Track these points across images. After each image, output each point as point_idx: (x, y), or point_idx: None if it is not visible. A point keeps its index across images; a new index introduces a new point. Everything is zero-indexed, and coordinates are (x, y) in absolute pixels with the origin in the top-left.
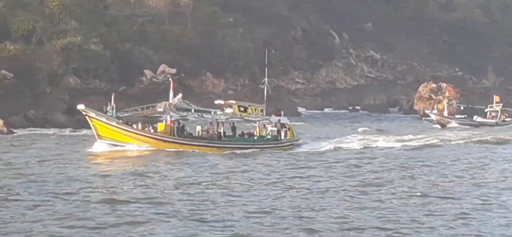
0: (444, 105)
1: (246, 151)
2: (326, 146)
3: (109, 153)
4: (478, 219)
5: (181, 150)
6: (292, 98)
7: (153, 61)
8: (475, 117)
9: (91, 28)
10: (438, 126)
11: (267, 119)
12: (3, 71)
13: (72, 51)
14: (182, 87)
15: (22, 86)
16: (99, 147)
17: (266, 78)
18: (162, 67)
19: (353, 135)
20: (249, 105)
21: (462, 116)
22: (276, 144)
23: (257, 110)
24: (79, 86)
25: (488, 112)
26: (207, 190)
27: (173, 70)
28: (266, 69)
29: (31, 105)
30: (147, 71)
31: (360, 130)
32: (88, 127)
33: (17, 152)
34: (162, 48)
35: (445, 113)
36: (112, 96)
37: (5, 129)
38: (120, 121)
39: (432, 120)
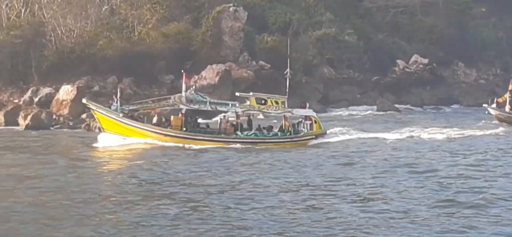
0: (506, 98)
1: (255, 146)
2: (350, 138)
3: (109, 148)
4: None
5: (186, 144)
6: None
7: (405, 51)
8: None
9: (345, 19)
10: (497, 122)
11: (289, 111)
12: (261, 62)
13: (326, 42)
14: (434, 76)
15: (278, 76)
16: (104, 139)
17: (288, 69)
18: (414, 57)
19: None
20: (268, 98)
21: None
22: (292, 138)
23: (278, 103)
24: (333, 77)
25: None
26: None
27: (425, 60)
28: (288, 60)
29: (288, 94)
30: (399, 61)
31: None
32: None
33: None
34: (415, 38)
35: (507, 107)
36: (118, 90)
37: (263, 117)
38: (121, 114)
39: (491, 114)
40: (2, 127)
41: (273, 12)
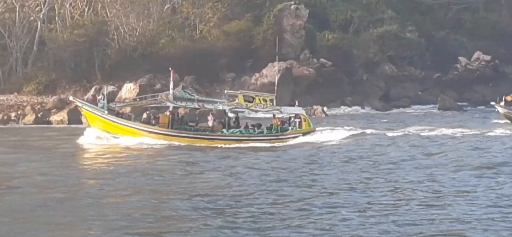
0: None
1: (240, 143)
2: (338, 137)
3: (95, 146)
4: None
5: (173, 141)
6: None
7: (467, 49)
8: None
9: (407, 16)
10: (508, 121)
11: (278, 109)
12: (322, 60)
13: (388, 39)
14: (496, 73)
15: (340, 74)
16: (89, 135)
17: (277, 65)
18: (476, 54)
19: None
20: (256, 95)
21: None
22: (278, 136)
23: (266, 100)
24: (395, 74)
25: None
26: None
27: (488, 57)
28: (277, 56)
29: (349, 92)
30: (461, 58)
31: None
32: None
33: None
34: (477, 35)
35: None
36: (105, 87)
37: (323, 115)
38: (105, 112)
39: (499, 113)
40: (66, 125)
41: (334, 9)
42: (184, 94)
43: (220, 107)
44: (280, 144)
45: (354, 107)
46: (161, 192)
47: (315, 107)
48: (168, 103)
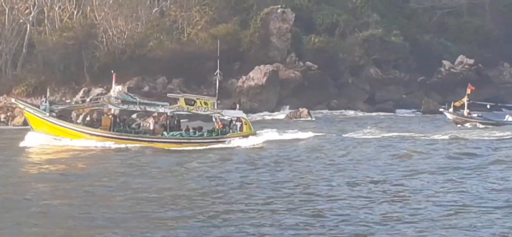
0: (464, 102)
1: (180, 146)
2: (277, 139)
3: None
4: None
5: (114, 144)
6: None
7: (451, 52)
8: (507, 116)
9: (392, 20)
10: (456, 125)
11: (219, 113)
12: (308, 63)
13: (373, 43)
14: (479, 77)
15: (325, 77)
16: (32, 138)
17: (218, 70)
18: (460, 58)
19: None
20: (197, 99)
21: (479, 114)
22: (218, 139)
23: (207, 104)
24: (380, 77)
25: None
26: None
27: (471, 61)
28: (218, 61)
29: (334, 95)
30: (445, 62)
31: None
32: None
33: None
34: (461, 39)
35: (465, 111)
36: (47, 89)
37: (309, 118)
38: (47, 114)
39: (448, 118)
40: None
41: (320, 13)
42: (126, 97)
43: (162, 110)
44: (218, 146)
45: (339, 110)
46: (96, 196)
47: (301, 109)
48: (110, 106)
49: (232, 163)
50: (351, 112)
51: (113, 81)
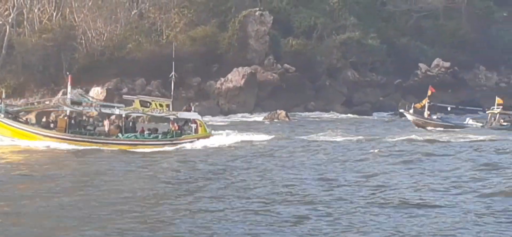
0: (425, 104)
1: (134, 148)
2: (232, 141)
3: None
4: None
5: (69, 145)
6: None
7: (428, 55)
8: (467, 120)
9: (369, 23)
10: (416, 127)
11: (174, 114)
12: (286, 65)
13: (350, 46)
14: (455, 79)
15: (303, 79)
16: None
17: (173, 72)
18: (436, 61)
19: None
20: (152, 101)
21: (439, 116)
22: (172, 140)
23: (162, 105)
24: (357, 80)
25: (489, 115)
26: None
27: (447, 64)
28: (173, 63)
29: (312, 97)
30: (421, 65)
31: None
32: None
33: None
34: (437, 42)
35: (425, 113)
36: (3, 91)
37: (287, 119)
38: (2, 115)
39: (408, 120)
40: None
41: (298, 16)
42: (82, 98)
43: (117, 112)
44: (172, 148)
45: (316, 113)
46: (47, 198)
47: (279, 111)
48: (65, 107)
49: (181, 166)
50: (327, 115)
51: (69, 83)
